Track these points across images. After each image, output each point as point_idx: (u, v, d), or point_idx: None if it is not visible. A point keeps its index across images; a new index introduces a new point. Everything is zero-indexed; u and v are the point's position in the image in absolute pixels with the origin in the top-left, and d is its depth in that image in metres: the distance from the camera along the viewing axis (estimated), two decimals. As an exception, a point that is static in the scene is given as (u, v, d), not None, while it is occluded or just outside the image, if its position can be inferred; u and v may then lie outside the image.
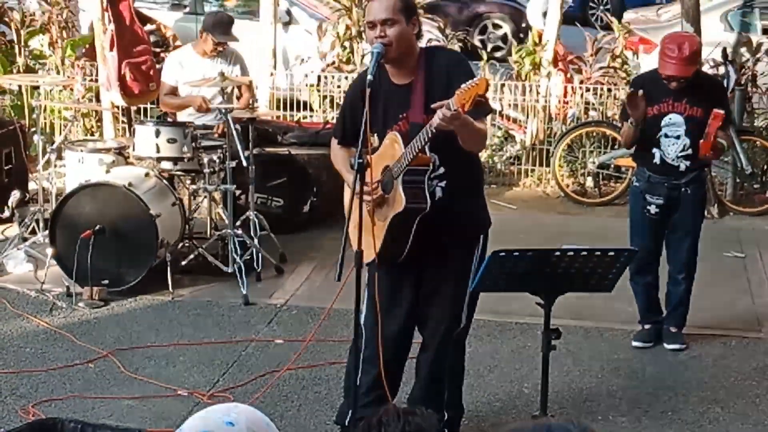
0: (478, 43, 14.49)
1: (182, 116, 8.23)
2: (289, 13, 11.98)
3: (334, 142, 5.03)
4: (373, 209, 4.64)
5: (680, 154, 6.20)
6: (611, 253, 4.40)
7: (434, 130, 4.40)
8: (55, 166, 7.87)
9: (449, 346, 4.90)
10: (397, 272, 4.79)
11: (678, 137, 6.18)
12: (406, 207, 4.57)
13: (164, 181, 7.57)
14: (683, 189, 6.28)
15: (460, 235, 4.78)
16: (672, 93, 6.17)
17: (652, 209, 6.32)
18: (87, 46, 10.56)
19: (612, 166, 9.76)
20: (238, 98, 8.37)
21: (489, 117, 9.91)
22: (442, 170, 4.68)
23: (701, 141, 6.10)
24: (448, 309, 4.83)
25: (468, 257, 4.80)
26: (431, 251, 4.75)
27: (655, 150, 6.23)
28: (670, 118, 6.18)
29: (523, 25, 14.29)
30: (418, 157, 4.53)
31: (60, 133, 9.68)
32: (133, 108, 9.59)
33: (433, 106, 4.40)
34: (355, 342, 4.69)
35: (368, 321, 4.65)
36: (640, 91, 6.06)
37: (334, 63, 10.72)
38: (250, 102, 8.49)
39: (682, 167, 6.22)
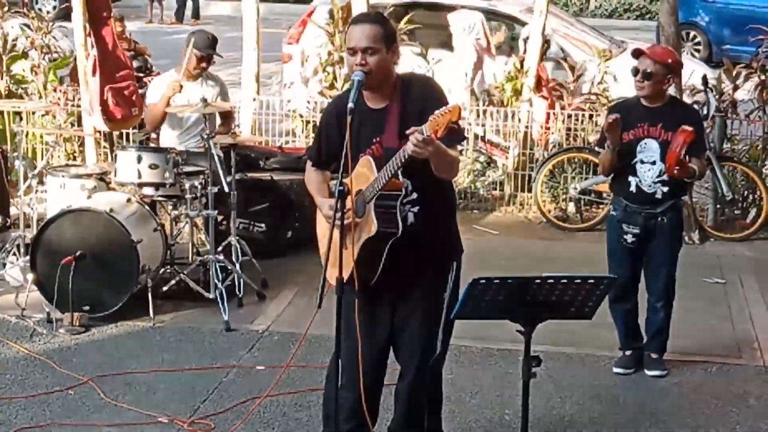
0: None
1: (165, 141, 8.23)
2: (562, 50, 11.66)
3: (308, 164, 5.07)
4: (345, 233, 4.66)
5: (656, 180, 6.22)
6: (591, 281, 4.40)
7: (407, 156, 4.42)
8: (37, 191, 7.87)
9: (426, 372, 4.89)
10: (372, 298, 4.79)
11: (654, 162, 6.21)
12: (378, 231, 4.59)
13: (146, 206, 7.56)
14: (659, 218, 6.29)
15: (431, 260, 4.78)
16: (647, 118, 6.20)
17: (629, 238, 6.34)
18: (69, 68, 10.56)
19: (593, 191, 9.79)
20: (221, 124, 8.38)
21: (469, 143, 9.99)
22: (414, 196, 4.69)
23: (668, 154, 6.09)
24: (422, 336, 4.83)
25: (441, 284, 4.81)
26: (404, 277, 4.75)
27: (631, 178, 6.25)
28: (645, 143, 6.20)
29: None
30: (391, 182, 4.55)
31: (42, 158, 9.69)
32: (115, 133, 9.59)
33: (407, 132, 4.42)
34: (334, 368, 4.68)
35: (344, 347, 4.65)
36: (617, 115, 6.11)
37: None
38: (231, 127, 8.50)
39: (659, 194, 6.24)
